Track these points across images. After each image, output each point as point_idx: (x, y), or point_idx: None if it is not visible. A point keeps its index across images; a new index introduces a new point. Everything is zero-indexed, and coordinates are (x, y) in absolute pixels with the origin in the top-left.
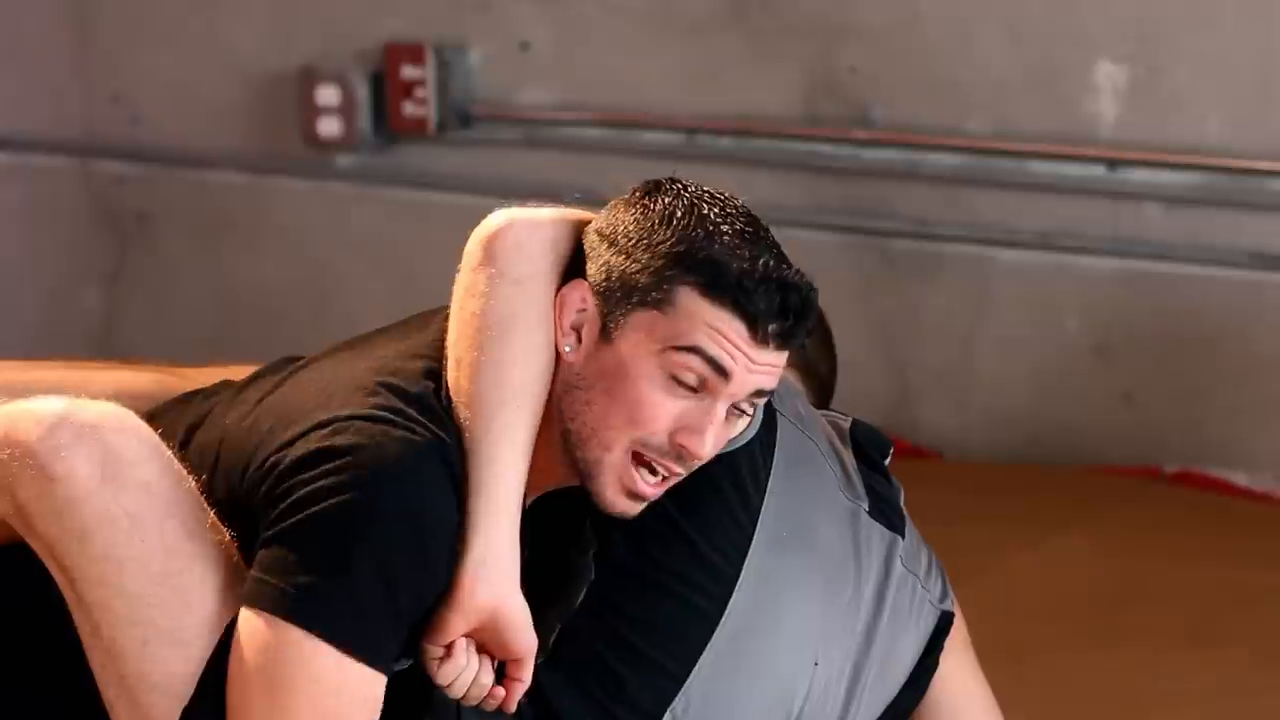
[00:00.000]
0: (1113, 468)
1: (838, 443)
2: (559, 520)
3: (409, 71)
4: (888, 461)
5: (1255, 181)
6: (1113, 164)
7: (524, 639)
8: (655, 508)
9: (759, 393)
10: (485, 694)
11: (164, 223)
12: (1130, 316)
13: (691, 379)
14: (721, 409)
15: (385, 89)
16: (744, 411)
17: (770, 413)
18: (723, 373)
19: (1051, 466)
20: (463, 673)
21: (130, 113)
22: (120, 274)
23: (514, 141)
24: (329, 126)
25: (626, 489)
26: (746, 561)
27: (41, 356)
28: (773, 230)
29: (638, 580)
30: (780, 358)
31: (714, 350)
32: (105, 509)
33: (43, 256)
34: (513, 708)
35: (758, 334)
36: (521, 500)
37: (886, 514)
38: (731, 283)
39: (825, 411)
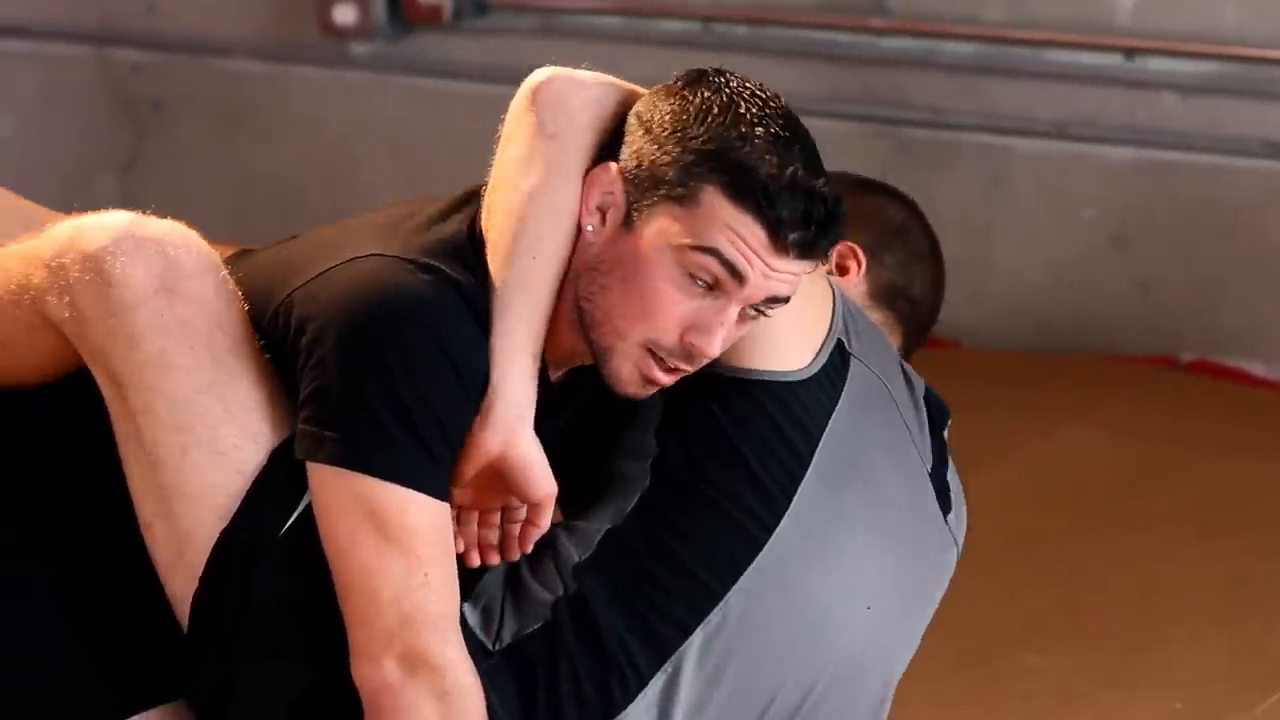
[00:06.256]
0: (1128, 356)
1: (919, 396)
2: (601, 409)
3: None
4: (945, 433)
5: (1272, 71)
6: (1130, 53)
7: (539, 484)
8: (711, 422)
9: (774, 299)
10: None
11: (180, 111)
12: (1147, 206)
13: (706, 278)
14: (734, 311)
15: None
16: (761, 314)
17: (843, 354)
18: (738, 276)
19: (1067, 355)
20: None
21: (147, 1)
22: (136, 162)
23: (530, 30)
24: (344, 14)
25: (643, 376)
26: (800, 490)
27: None
28: None
29: (688, 493)
30: (801, 266)
31: (731, 253)
32: (158, 315)
33: (58, 144)
34: (527, 549)
35: (778, 241)
36: (538, 350)
37: (937, 484)
38: (757, 188)
39: (906, 364)
